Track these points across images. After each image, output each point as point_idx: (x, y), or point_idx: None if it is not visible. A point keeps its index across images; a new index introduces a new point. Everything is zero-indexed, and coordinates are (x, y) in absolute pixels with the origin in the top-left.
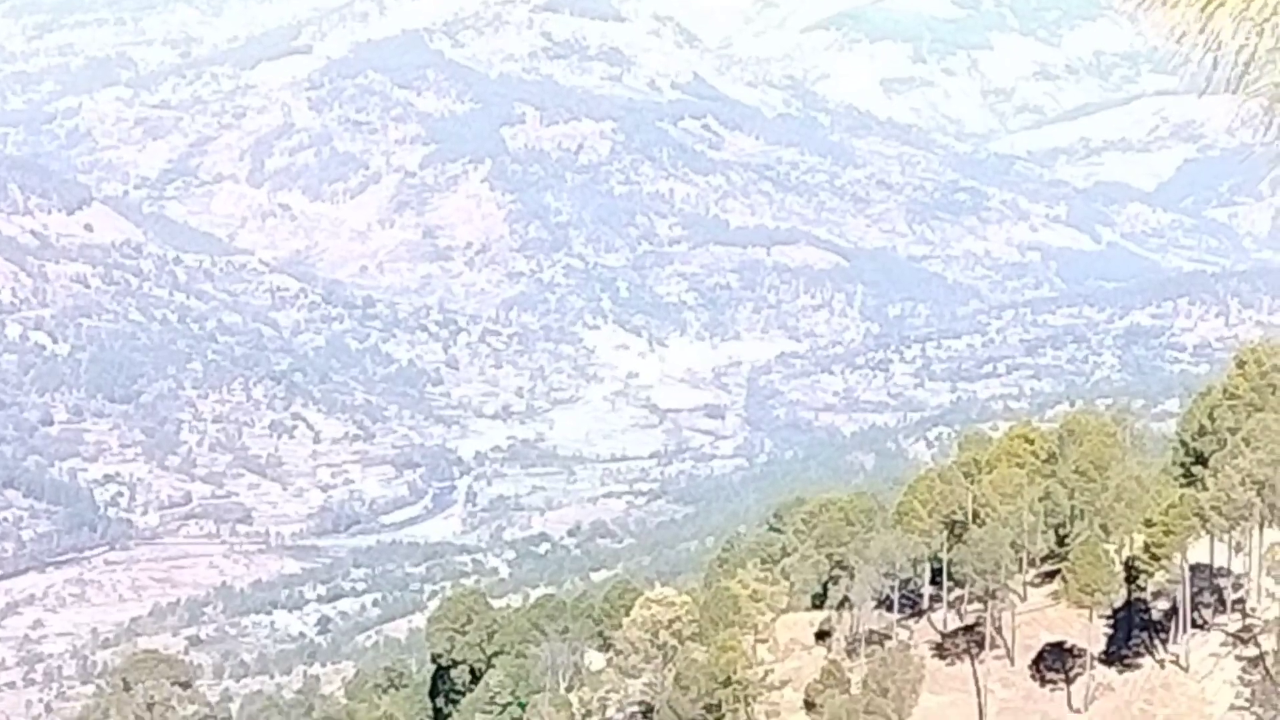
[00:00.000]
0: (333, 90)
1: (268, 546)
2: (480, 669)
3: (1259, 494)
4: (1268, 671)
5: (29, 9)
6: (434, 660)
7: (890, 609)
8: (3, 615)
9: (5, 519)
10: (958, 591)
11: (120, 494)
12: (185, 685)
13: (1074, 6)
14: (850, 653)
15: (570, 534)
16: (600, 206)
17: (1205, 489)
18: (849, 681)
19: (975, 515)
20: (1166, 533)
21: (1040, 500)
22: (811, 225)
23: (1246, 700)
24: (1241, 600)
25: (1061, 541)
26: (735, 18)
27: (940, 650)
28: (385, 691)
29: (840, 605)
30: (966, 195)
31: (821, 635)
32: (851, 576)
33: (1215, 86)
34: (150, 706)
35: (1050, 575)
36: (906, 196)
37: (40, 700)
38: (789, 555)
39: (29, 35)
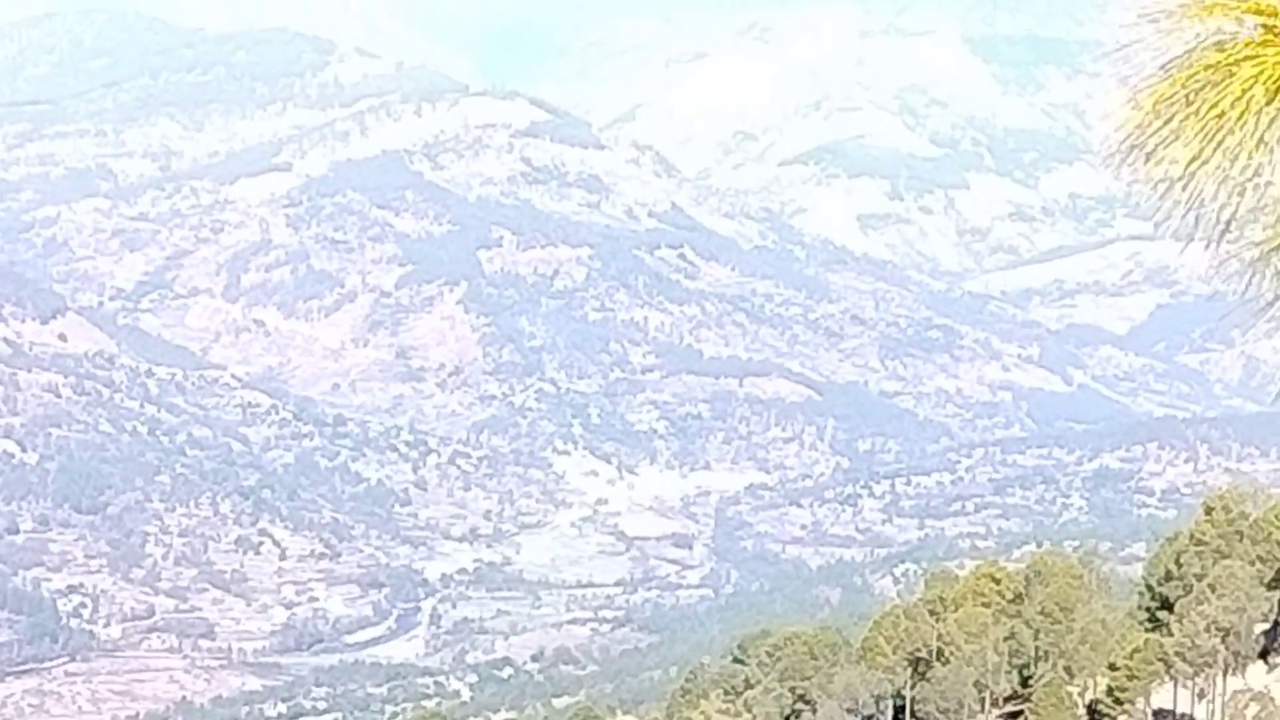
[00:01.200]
0: (311, 208)
1: (230, 662)
2: None
3: (1223, 641)
4: None
5: (9, 118)
6: None
7: None
8: None
9: None
10: None
11: (83, 605)
12: None
13: (1051, 149)
14: None
15: (534, 659)
16: (574, 332)
17: (1170, 634)
18: None
19: (939, 653)
20: (1130, 677)
21: (1005, 640)
22: (784, 358)
23: None
24: None
25: (1025, 682)
26: (714, 149)
27: None
28: None
29: None
30: (940, 333)
31: None
32: (814, 711)
33: (1192, 238)
34: None
35: (1014, 716)
36: (880, 332)
37: None
38: (752, 687)
39: (9, 144)
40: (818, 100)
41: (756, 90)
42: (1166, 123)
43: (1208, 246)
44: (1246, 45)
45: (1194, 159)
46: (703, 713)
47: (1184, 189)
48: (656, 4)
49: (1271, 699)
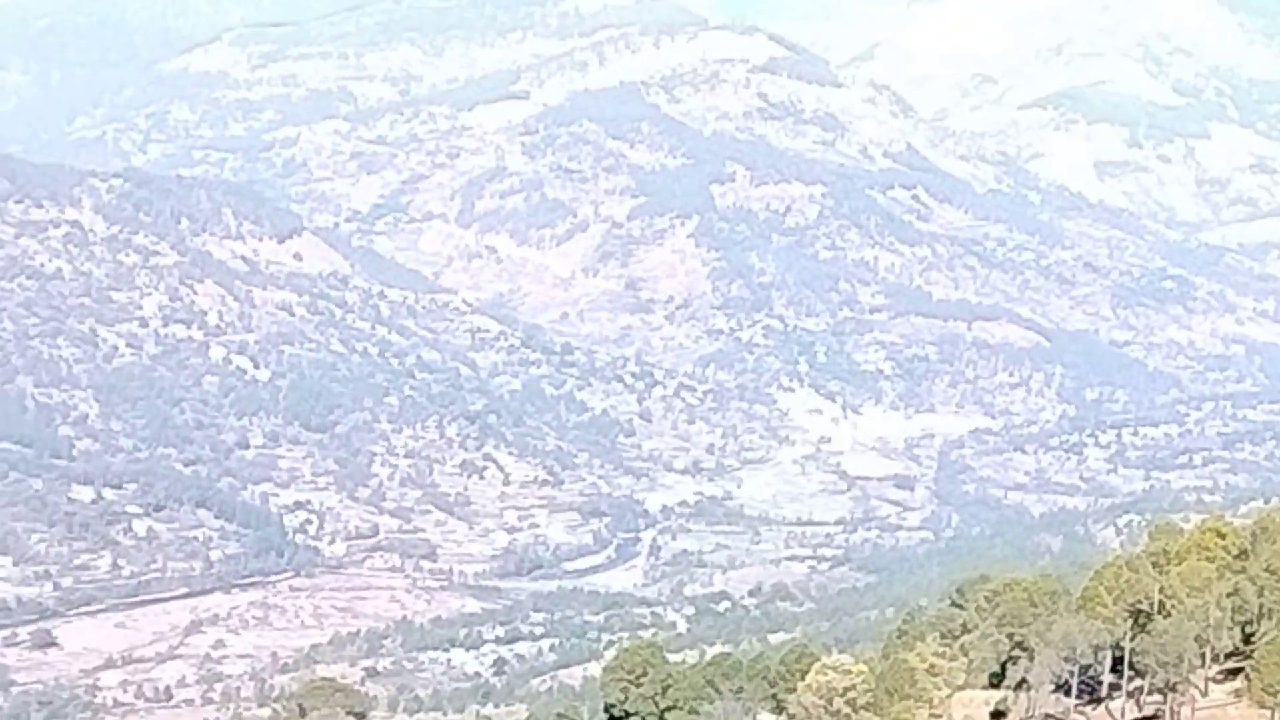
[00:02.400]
0: (546, 137)
1: (450, 584)
2: None
3: None
4: None
5: (254, 39)
6: (607, 710)
7: (1068, 694)
8: (187, 633)
9: (196, 538)
10: (1138, 682)
11: (309, 521)
12: (360, 716)
13: None
14: None
15: (751, 594)
16: (804, 270)
17: None
18: None
19: (1161, 606)
20: None
21: (1228, 596)
22: (1014, 303)
23: None
24: None
25: (1248, 639)
26: (952, 91)
27: None
28: None
29: (1018, 686)
30: (1173, 283)
31: (997, 715)
32: (1031, 658)
33: None
34: None
35: (1234, 672)
36: (1112, 281)
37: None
38: (969, 632)
39: (253, 64)
40: (1059, 45)
41: (997, 32)
42: None
43: None
44: None
45: None
46: (919, 654)
47: None
48: None
49: None
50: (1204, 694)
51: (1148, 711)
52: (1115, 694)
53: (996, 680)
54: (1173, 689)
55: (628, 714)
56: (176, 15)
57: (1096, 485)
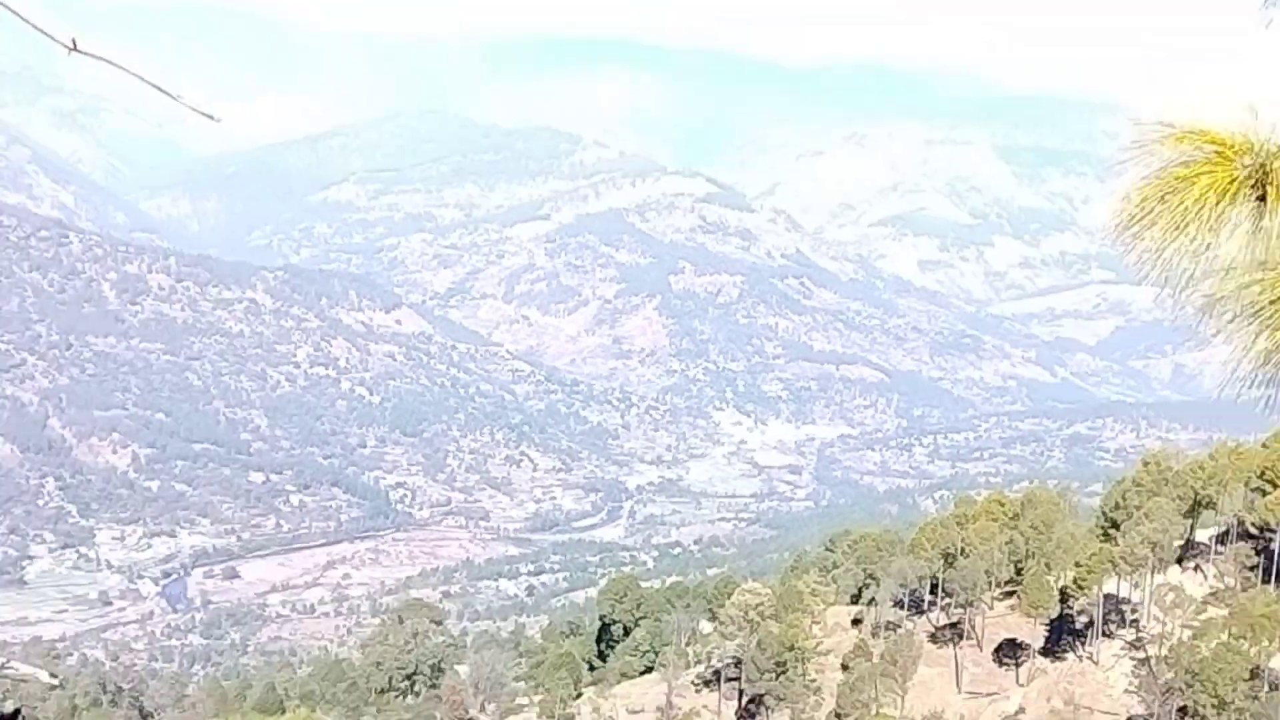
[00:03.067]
0: (561, 244)
1: (498, 536)
2: (631, 627)
3: (1152, 550)
4: (1150, 668)
5: (370, 180)
6: (601, 619)
7: (902, 608)
8: (324, 569)
9: (330, 507)
10: (947, 600)
11: (406, 495)
12: (438, 622)
13: (1049, 221)
14: (874, 635)
15: (695, 543)
16: (730, 331)
17: (1117, 545)
18: (872, 654)
19: (962, 550)
20: (1089, 572)
21: (1006, 544)
22: (867, 353)
23: (1135, 686)
24: (1136, 620)
25: (1019, 572)
26: (826, 214)
27: (933, 638)
28: (567, 637)
29: (869, 603)
30: (970, 340)
31: (855, 622)
32: (878, 584)
33: (1146, 282)
34: (415, 634)
35: (1010, 594)
36: (930, 338)
37: (344, 626)
38: (838, 568)
39: (369, 196)
40: (895, 184)
41: (854, 176)
42: (1147, 214)
43: (1160, 291)
44: (1204, 164)
45: (1164, 238)
46: (805, 582)
47: (1157, 256)
48: (793, 114)
49: (1182, 589)
50: (990, 608)
51: (954, 619)
52: (933, 608)
53: (855, 599)
54: (970, 605)
55: (614, 621)
56: (319, 163)
57: (920, 472)
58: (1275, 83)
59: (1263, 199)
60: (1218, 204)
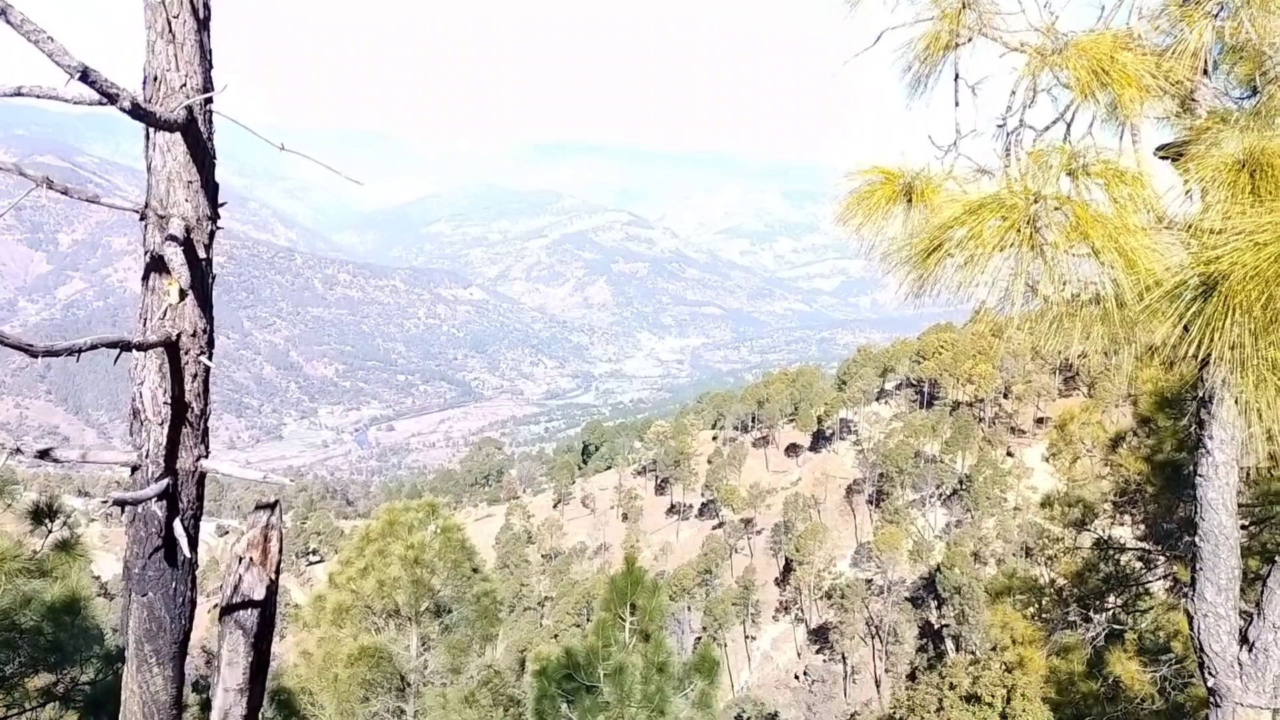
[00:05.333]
0: (553, 250)
1: (528, 403)
2: (599, 446)
3: (863, 394)
4: (864, 454)
5: (453, 219)
6: (584, 444)
7: (739, 430)
8: (438, 425)
9: (440, 390)
10: (760, 425)
11: (479, 383)
12: (498, 449)
13: (807, 227)
14: (723, 445)
15: (631, 402)
16: (644, 292)
17: (845, 392)
18: (722, 455)
19: (768, 398)
20: (831, 407)
21: (789, 395)
22: (714, 300)
23: (855, 465)
24: (856, 430)
25: (795, 409)
26: (692, 228)
27: (754, 445)
28: (566, 453)
29: (720, 429)
30: (768, 291)
31: (714, 439)
32: (724, 419)
33: (857, 254)
34: (486, 456)
35: (792, 420)
36: (748, 290)
37: (451, 454)
38: (704, 412)
39: (453, 228)
40: (726, 212)
41: (708, 209)
42: (854, 214)
43: (863, 257)
44: (881, 183)
45: (862, 226)
46: (687, 420)
47: (859, 237)
48: (675, 176)
49: (879, 414)
50: (782, 428)
51: (764, 434)
52: (752, 429)
53: (713, 427)
54: (771, 427)
55: (591, 444)
56: (425, 211)
57: (745, 362)
58: (916, 139)
59: (910, 201)
60: (888, 205)
